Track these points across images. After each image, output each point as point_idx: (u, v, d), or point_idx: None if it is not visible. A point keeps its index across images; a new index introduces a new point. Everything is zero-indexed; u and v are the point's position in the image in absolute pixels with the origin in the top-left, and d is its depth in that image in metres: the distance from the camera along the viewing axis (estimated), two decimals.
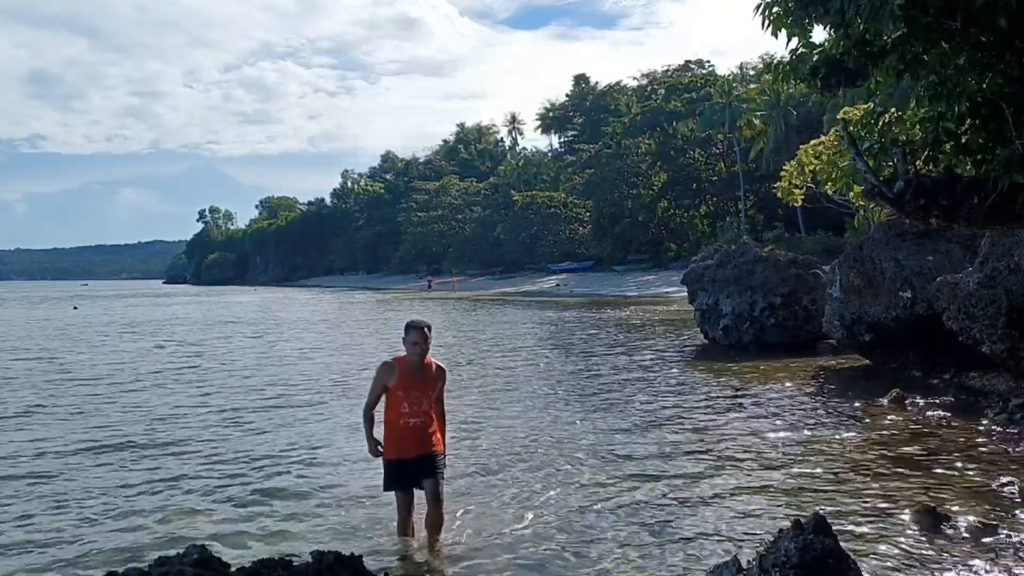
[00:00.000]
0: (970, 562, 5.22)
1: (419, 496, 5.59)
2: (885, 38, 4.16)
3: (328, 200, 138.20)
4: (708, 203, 66.70)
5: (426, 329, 5.30)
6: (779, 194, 15.82)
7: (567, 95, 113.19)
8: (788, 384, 12.97)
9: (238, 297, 70.70)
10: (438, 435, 5.51)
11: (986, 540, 5.55)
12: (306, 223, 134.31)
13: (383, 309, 44.31)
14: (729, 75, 74.11)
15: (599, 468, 8.01)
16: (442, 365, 5.57)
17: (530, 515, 6.47)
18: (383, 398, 5.49)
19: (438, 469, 5.46)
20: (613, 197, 66.57)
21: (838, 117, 6.53)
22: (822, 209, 32.26)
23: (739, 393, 12.30)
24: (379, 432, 5.58)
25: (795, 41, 4.66)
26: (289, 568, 3.99)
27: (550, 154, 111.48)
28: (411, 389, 5.30)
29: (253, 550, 5.69)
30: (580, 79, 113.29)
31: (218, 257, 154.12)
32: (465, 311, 39.74)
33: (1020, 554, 5.31)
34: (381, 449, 5.35)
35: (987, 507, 6.31)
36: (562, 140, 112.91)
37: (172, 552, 4.14)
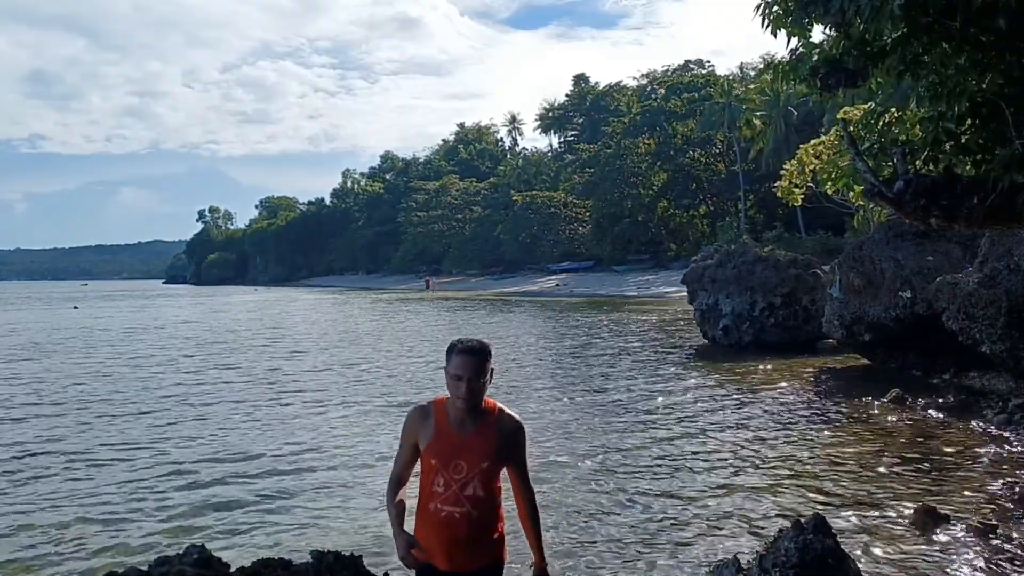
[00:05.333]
0: (970, 562, 5.22)
1: None
2: (885, 38, 4.15)
3: (328, 200, 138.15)
4: (708, 203, 66.69)
5: (480, 355, 2.98)
6: (779, 194, 15.77)
7: (567, 95, 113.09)
8: (788, 384, 12.97)
9: (241, 297, 70.65)
10: (500, 535, 3.10)
11: (986, 540, 5.55)
12: (306, 223, 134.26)
13: (389, 311, 44.26)
14: (729, 75, 74.11)
15: (599, 468, 8.02)
16: (515, 416, 3.12)
17: None
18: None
19: None
20: (613, 197, 66.56)
21: (838, 117, 6.51)
22: (822, 209, 32.28)
23: (739, 393, 12.30)
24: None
25: (795, 41, 4.66)
26: (289, 568, 4.00)
27: (550, 154, 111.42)
28: (450, 456, 2.99)
29: (253, 550, 5.69)
30: (580, 79, 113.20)
31: (218, 257, 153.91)
32: (463, 313, 39.73)
33: (1020, 554, 5.31)
34: (420, 555, 2.89)
35: (987, 507, 6.31)
36: (562, 140, 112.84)
37: (172, 552, 4.14)
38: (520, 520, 3.21)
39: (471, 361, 2.95)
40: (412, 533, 2.95)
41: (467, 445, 3.00)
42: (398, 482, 3.10)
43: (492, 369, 3.04)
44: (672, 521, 6.29)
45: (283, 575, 3.95)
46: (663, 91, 76.11)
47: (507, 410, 3.12)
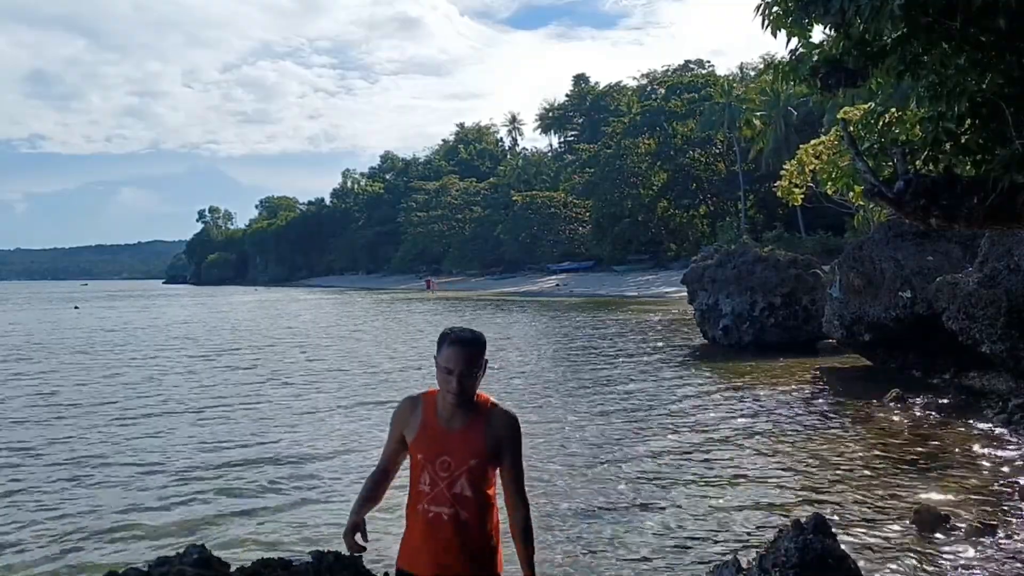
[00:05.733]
0: (970, 562, 5.22)
1: None
2: (885, 38, 4.15)
3: (328, 200, 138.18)
4: (708, 203, 66.71)
5: (472, 347, 2.78)
6: (779, 193, 15.78)
7: (567, 95, 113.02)
8: (788, 384, 12.97)
9: (241, 298, 70.66)
10: (494, 545, 2.86)
11: (986, 540, 5.55)
12: (306, 223, 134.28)
13: (392, 312, 44.26)
14: (729, 75, 74.13)
15: (598, 468, 8.02)
16: (510, 412, 2.91)
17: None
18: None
19: None
20: (613, 197, 66.57)
21: (838, 117, 6.52)
22: (822, 209, 32.25)
23: (739, 393, 12.30)
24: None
25: (795, 41, 4.66)
26: (289, 568, 3.99)
27: (550, 154, 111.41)
28: (437, 451, 2.79)
29: (253, 550, 5.69)
30: (580, 79, 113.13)
31: (218, 257, 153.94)
32: (464, 314, 39.73)
33: (1020, 554, 5.31)
34: (362, 542, 2.74)
35: (987, 507, 6.31)
36: (562, 140, 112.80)
37: (172, 552, 4.14)
38: (511, 532, 2.90)
39: (463, 353, 2.75)
40: (402, 535, 2.83)
41: (454, 440, 2.79)
42: (383, 471, 2.94)
43: (486, 362, 2.84)
44: (672, 521, 6.29)
45: (283, 575, 3.95)
46: (663, 91, 76.09)
47: (501, 405, 2.90)
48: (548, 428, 10.03)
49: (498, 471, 2.86)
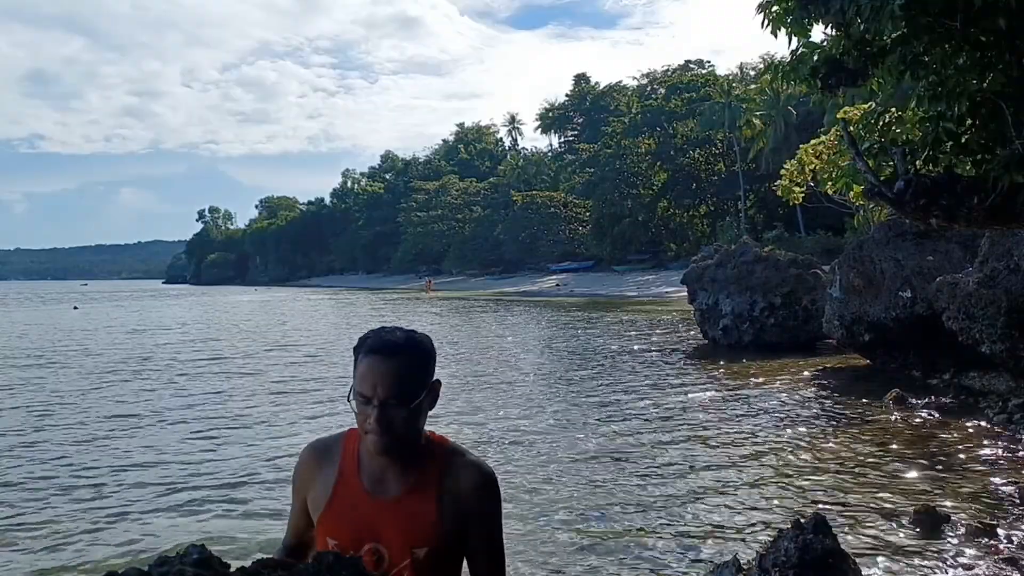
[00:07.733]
0: (970, 562, 5.22)
1: None
2: (885, 38, 4.16)
3: (328, 200, 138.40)
4: (708, 203, 66.73)
5: (402, 357, 1.66)
6: (779, 193, 15.84)
7: (567, 95, 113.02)
8: (788, 384, 12.97)
9: (242, 298, 70.64)
10: None
11: (986, 540, 5.55)
12: (306, 223, 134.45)
13: (398, 312, 44.27)
14: (729, 75, 74.16)
15: (599, 469, 8.02)
16: (482, 464, 1.79)
17: (530, 515, 6.47)
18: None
19: None
20: (613, 197, 66.63)
21: (838, 117, 6.53)
22: (822, 209, 32.25)
23: (739, 393, 12.29)
24: None
25: (795, 41, 4.66)
26: (289, 568, 3.99)
27: (550, 154, 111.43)
28: (359, 534, 1.77)
29: (254, 550, 5.69)
30: (580, 79, 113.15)
31: (218, 257, 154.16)
32: (461, 314, 39.74)
33: (1020, 554, 5.31)
34: None
35: (987, 507, 6.31)
36: (562, 140, 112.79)
37: (172, 552, 4.14)
38: None
39: (388, 367, 1.65)
40: None
41: (389, 516, 1.74)
42: (290, 550, 1.93)
43: (436, 383, 1.75)
44: (671, 521, 6.29)
45: (283, 575, 3.94)
46: (663, 91, 76.16)
47: (466, 455, 1.80)
48: (546, 428, 10.04)
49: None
